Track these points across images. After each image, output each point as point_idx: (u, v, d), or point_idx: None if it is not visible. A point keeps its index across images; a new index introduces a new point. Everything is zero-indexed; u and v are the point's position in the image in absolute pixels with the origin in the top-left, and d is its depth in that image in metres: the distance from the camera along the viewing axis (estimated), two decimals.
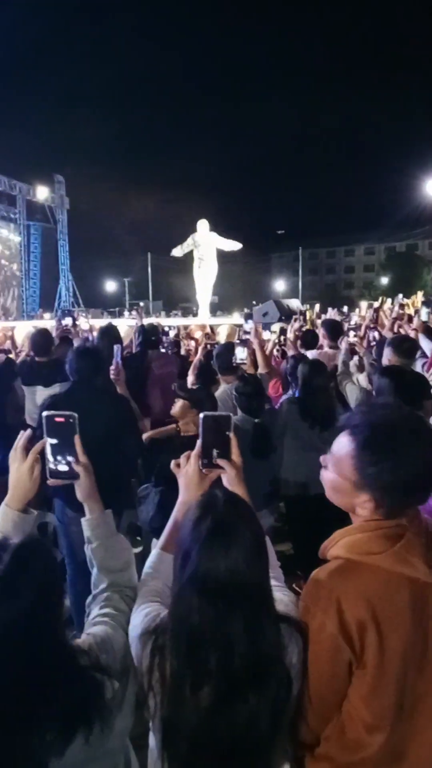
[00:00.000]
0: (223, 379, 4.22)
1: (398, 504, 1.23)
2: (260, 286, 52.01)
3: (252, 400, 3.30)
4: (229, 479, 1.37)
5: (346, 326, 7.11)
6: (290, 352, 5.16)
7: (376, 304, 8.66)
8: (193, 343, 7.71)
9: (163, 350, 5.51)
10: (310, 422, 3.53)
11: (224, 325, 10.54)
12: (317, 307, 10.44)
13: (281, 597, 1.17)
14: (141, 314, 8.45)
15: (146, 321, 6.28)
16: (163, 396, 4.46)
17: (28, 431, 1.43)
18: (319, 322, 8.11)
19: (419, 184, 31.13)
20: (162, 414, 4.03)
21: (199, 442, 1.39)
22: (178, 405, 3.02)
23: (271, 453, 3.44)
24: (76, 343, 4.88)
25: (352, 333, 4.64)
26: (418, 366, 3.64)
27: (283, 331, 6.54)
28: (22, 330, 8.63)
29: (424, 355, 4.34)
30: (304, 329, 6.22)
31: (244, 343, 4.32)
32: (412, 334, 4.86)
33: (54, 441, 1.37)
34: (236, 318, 16.88)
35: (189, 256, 15.62)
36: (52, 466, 1.37)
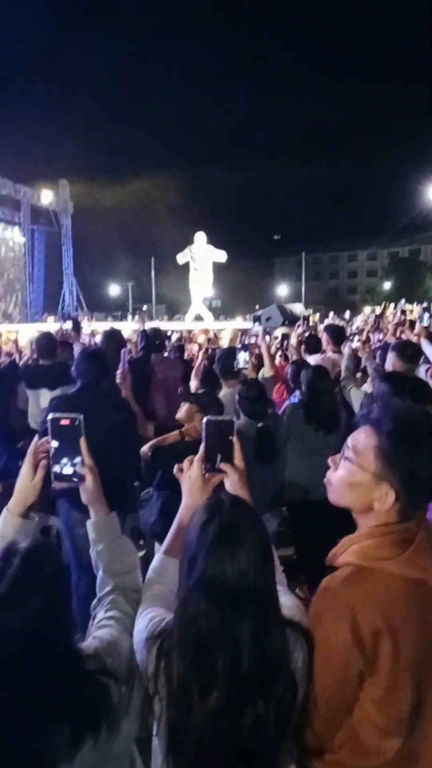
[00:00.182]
0: (225, 383, 4.23)
1: (416, 499, 1.23)
2: (263, 290, 52.04)
3: (255, 404, 3.31)
4: (233, 484, 1.37)
5: (348, 331, 7.12)
6: (293, 357, 5.17)
7: (378, 310, 8.69)
8: (196, 347, 7.73)
9: (165, 354, 5.53)
10: (315, 426, 3.53)
11: (227, 330, 10.55)
12: (317, 316, 10.49)
13: (286, 601, 1.17)
14: (144, 319, 8.48)
15: (149, 325, 6.30)
16: (167, 400, 4.47)
17: (43, 439, 1.42)
18: (321, 327, 8.14)
19: (423, 190, 31.18)
20: (166, 418, 4.04)
21: (202, 447, 1.39)
22: (183, 409, 3.03)
23: (275, 457, 3.44)
24: (75, 347, 4.89)
25: (356, 338, 4.65)
26: (421, 371, 3.64)
27: (285, 336, 6.56)
28: (26, 334, 8.66)
29: (427, 360, 4.34)
30: (307, 334, 6.23)
31: (246, 347, 4.33)
32: (414, 339, 4.87)
33: (59, 444, 1.36)
34: (239, 322, 16.96)
35: (186, 265, 16.19)
36: (56, 469, 1.37)
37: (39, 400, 4.44)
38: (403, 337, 5.59)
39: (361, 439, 1.27)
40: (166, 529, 1.42)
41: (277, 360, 5.71)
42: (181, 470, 1.41)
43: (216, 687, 1.01)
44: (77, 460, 1.37)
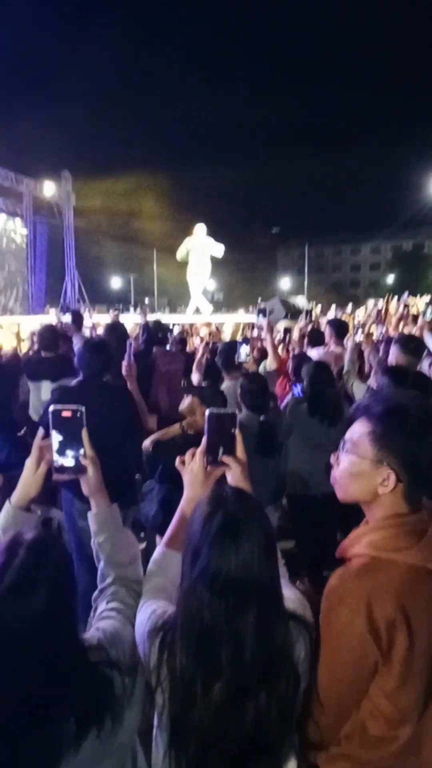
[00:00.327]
0: (227, 376, 4.22)
1: (417, 478, 1.24)
2: (265, 283, 51.91)
3: (257, 397, 3.30)
4: (234, 476, 1.37)
5: (351, 324, 7.10)
6: (296, 350, 5.17)
7: (381, 303, 8.66)
8: (198, 340, 7.72)
9: (167, 347, 5.52)
10: (319, 418, 3.53)
11: (229, 323, 10.54)
12: (318, 307, 10.46)
13: (288, 595, 1.17)
14: (146, 312, 8.45)
15: (150, 318, 6.29)
16: (169, 393, 4.47)
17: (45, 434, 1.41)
18: (323, 320, 8.11)
19: (427, 184, 30.98)
20: (168, 411, 4.04)
21: (204, 440, 1.39)
22: (186, 402, 3.02)
23: (276, 451, 3.44)
24: (75, 339, 4.88)
25: (359, 332, 4.63)
26: (424, 365, 3.63)
27: (288, 330, 6.55)
28: (28, 326, 8.64)
29: (430, 354, 4.33)
30: (309, 327, 6.22)
31: (247, 340, 4.32)
32: (416, 333, 4.85)
33: (61, 435, 1.36)
34: (241, 315, 16.95)
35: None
36: (58, 461, 1.37)
37: (40, 393, 4.44)
38: (406, 330, 5.57)
39: (356, 429, 1.30)
40: (167, 521, 1.42)
41: (280, 353, 5.71)
42: (182, 463, 1.41)
43: (219, 679, 1.01)
44: (79, 451, 1.37)
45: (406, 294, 9.93)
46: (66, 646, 1.05)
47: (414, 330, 5.21)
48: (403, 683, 1.16)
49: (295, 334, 6.19)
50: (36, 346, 5.20)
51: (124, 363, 3.52)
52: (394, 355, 3.39)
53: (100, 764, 1.07)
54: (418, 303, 10.23)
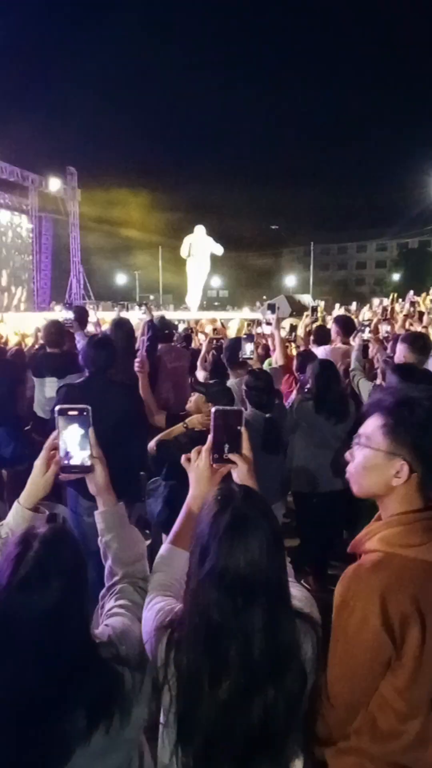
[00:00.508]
0: (232, 373, 4.22)
1: (430, 469, 1.25)
2: (271, 281, 51.86)
3: (262, 394, 3.29)
4: (240, 474, 1.36)
5: (356, 322, 7.07)
6: (301, 348, 5.15)
7: (386, 302, 8.63)
8: (203, 337, 7.70)
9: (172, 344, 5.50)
10: (325, 415, 3.52)
11: (235, 320, 10.51)
12: (322, 304, 10.44)
13: (295, 593, 1.17)
14: (151, 309, 8.43)
15: (156, 314, 6.26)
16: (176, 389, 4.47)
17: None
18: (329, 318, 8.08)
19: None
20: (174, 407, 4.03)
21: (210, 437, 1.38)
22: (193, 399, 3.02)
23: (282, 448, 3.43)
24: (78, 337, 4.86)
25: (367, 330, 4.62)
26: (430, 364, 3.61)
27: (293, 327, 6.53)
28: (33, 322, 8.65)
29: None
30: (315, 325, 6.19)
31: (251, 337, 4.31)
32: (422, 331, 4.83)
33: (67, 435, 1.36)
34: (246, 313, 16.97)
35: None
36: (65, 460, 1.37)
37: (45, 389, 4.44)
38: (412, 328, 5.55)
39: (369, 423, 1.32)
40: (172, 519, 1.41)
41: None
42: (188, 460, 1.41)
43: (226, 677, 1.01)
44: (86, 451, 1.37)
45: (411, 293, 9.89)
46: (78, 640, 1.05)
47: (420, 328, 5.19)
48: (414, 678, 1.16)
49: (300, 331, 6.17)
50: (41, 342, 5.21)
51: (137, 359, 3.49)
52: (402, 353, 3.37)
53: (108, 758, 1.08)
54: (426, 300, 10.18)
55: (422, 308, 8.45)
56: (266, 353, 5.19)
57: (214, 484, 1.34)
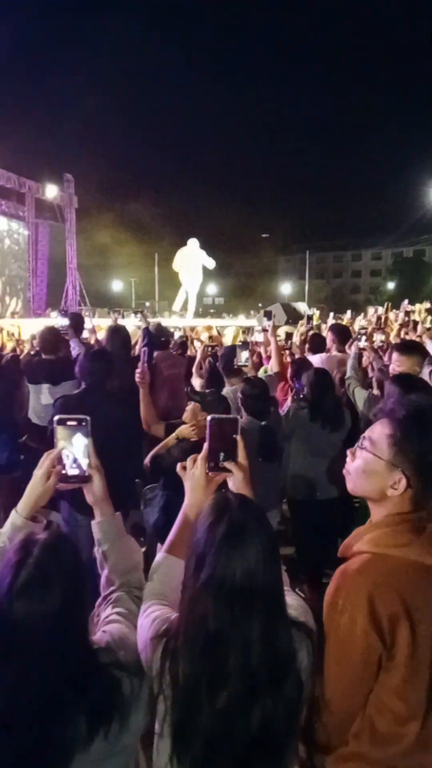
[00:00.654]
0: (228, 381, 4.22)
1: (427, 486, 1.27)
2: (266, 289, 51.96)
3: (258, 402, 3.30)
4: (236, 482, 1.36)
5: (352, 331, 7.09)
6: (297, 356, 5.17)
7: (381, 310, 8.67)
8: (199, 344, 7.71)
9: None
10: (321, 423, 3.53)
11: (230, 327, 10.53)
12: (317, 313, 10.49)
13: (291, 602, 1.17)
14: (146, 317, 8.43)
15: (153, 321, 6.27)
16: (172, 397, 4.46)
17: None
18: (324, 326, 8.11)
19: (428, 190, 31.10)
20: (170, 416, 4.02)
21: (206, 446, 1.38)
22: (189, 408, 3.01)
23: (278, 456, 3.43)
24: (72, 344, 4.86)
25: (363, 338, 4.64)
26: (425, 372, 3.62)
27: (289, 336, 6.55)
28: (29, 329, 8.64)
29: (431, 362, 4.32)
30: (311, 333, 6.21)
31: (247, 345, 4.32)
32: (417, 340, 4.86)
33: (65, 445, 1.37)
34: (242, 321, 17.03)
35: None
36: (63, 470, 1.37)
37: (40, 396, 4.43)
38: (407, 338, 5.58)
39: (377, 429, 1.34)
40: (168, 527, 1.41)
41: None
42: (184, 468, 1.41)
43: (224, 686, 1.01)
44: (84, 461, 1.37)
45: (405, 302, 9.93)
46: (77, 645, 1.06)
47: (414, 337, 5.22)
48: (408, 678, 1.17)
49: (295, 339, 6.20)
50: (36, 349, 5.19)
51: (138, 370, 3.43)
52: (396, 362, 3.39)
53: (105, 765, 1.07)
54: (420, 310, 10.23)
55: (416, 317, 8.49)
56: (259, 361, 5.21)
57: (209, 492, 1.34)
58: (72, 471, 1.37)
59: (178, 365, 5.02)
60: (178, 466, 1.42)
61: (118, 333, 4.52)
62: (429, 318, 5.72)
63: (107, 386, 3.15)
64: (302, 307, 17.58)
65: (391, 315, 8.89)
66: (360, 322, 9.71)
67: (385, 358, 4.46)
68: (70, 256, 26.91)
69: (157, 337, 4.95)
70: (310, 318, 7.64)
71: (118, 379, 3.50)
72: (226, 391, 4.03)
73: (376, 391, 3.70)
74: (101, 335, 6.11)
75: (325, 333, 5.86)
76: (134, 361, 4.43)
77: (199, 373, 4.84)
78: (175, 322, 14.70)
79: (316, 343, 5.41)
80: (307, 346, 5.55)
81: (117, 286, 47.93)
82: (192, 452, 1.44)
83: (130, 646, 1.16)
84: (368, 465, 1.32)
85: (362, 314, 13.14)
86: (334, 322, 9.09)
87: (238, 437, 1.38)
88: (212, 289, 50.81)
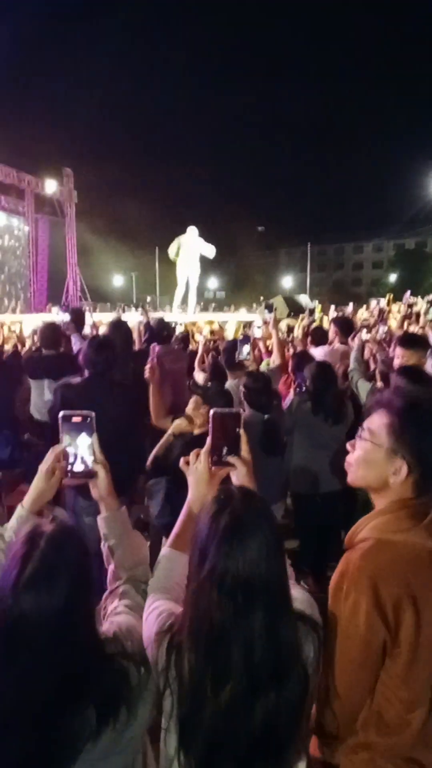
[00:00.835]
0: (230, 375, 4.22)
1: (428, 471, 1.28)
2: (268, 282, 51.84)
3: (261, 396, 3.29)
4: (240, 476, 1.36)
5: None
6: (298, 348, 5.16)
7: (383, 302, 8.66)
8: (201, 338, 7.70)
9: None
10: (323, 417, 3.52)
11: (232, 321, 10.52)
12: (319, 306, 10.46)
13: (296, 595, 1.17)
14: (147, 312, 8.43)
15: (153, 316, 6.26)
16: (174, 392, 4.46)
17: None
18: (326, 318, 8.10)
19: (429, 182, 30.94)
20: (173, 410, 4.01)
21: (209, 440, 1.38)
22: (191, 402, 3.00)
23: (280, 450, 3.43)
24: (73, 339, 4.85)
25: (365, 330, 4.64)
26: (428, 364, 3.61)
27: (291, 328, 6.54)
28: (30, 324, 8.65)
29: None
30: (313, 326, 6.21)
31: (248, 339, 4.31)
32: (419, 332, 4.84)
33: (70, 440, 1.37)
34: (243, 314, 16.95)
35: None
36: (68, 466, 1.38)
37: (42, 391, 4.43)
38: (410, 329, 5.56)
39: (375, 419, 1.35)
40: (172, 521, 1.41)
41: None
42: (187, 463, 1.40)
43: (228, 680, 1.01)
44: (89, 456, 1.37)
45: (408, 293, 9.91)
46: (85, 637, 1.06)
47: (417, 329, 5.21)
48: (413, 663, 1.18)
49: (297, 332, 6.19)
50: (37, 344, 5.19)
51: (148, 365, 3.41)
52: (400, 354, 3.37)
53: (113, 756, 1.07)
54: (422, 303, 10.21)
55: (418, 308, 8.47)
56: (260, 355, 5.19)
57: (213, 486, 1.34)
58: (77, 467, 1.38)
59: (181, 360, 5.01)
60: (181, 460, 1.42)
61: (119, 327, 4.51)
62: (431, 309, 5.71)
63: (111, 377, 3.13)
64: (304, 299, 17.52)
65: (394, 307, 8.87)
66: (363, 313, 9.69)
67: (389, 351, 4.44)
68: (71, 251, 26.86)
69: (159, 332, 4.93)
70: (312, 311, 7.63)
71: (119, 372, 3.49)
72: (229, 384, 4.02)
73: (379, 384, 3.69)
74: (102, 331, 6.10)
75: (327, 326, 5.85)
76: (136, 356, 4.43)
77: (202, 367, 4.83)
78: (177, 316, 14.65)
79: (318, 336, 5.40)
80: (309, 338, 5.54)
81: (118, 281, 47.85)
82: (194, 446, 1.43)
83: (137, 637, 1.16)
84: (368, 454, 1.34)
85: (364, 306, 13.11)
86: (336, 314, 9.07)
87: (241, 431, 1.37)
88: (213, 283, 50.72)
